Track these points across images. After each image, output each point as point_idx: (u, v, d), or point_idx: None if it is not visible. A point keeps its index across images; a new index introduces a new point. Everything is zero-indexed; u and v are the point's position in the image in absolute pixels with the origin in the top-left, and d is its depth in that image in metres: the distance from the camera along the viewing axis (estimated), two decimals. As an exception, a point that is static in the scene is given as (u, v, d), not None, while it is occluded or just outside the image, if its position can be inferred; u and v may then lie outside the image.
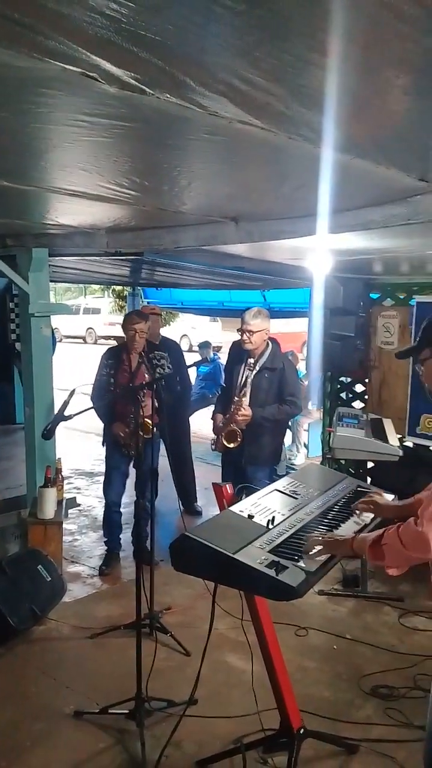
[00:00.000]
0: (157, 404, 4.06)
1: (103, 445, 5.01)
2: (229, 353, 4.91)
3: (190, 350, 19.35)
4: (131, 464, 4.93)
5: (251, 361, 4.57)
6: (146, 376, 4.58)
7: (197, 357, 10.01)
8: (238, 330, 4.65)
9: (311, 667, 3.71)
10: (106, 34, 1.24)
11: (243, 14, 1.17)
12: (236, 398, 4.54)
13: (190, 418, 6.79)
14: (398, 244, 3.71)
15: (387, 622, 4.26)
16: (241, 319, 4.58)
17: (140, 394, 3.57)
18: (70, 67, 1.40)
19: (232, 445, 4.57)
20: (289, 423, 8.07)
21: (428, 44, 1.25)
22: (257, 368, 4.58)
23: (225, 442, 4.58)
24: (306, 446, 8.48)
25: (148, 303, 9.46)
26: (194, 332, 21.22)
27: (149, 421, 4.13)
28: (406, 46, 1.28)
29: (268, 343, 4.66)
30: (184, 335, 21.96)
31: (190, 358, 6.42)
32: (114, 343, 6.76)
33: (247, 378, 4.56)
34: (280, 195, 2.72)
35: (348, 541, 2.17)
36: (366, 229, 2.80)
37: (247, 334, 4.53)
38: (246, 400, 4.53)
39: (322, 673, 3.67)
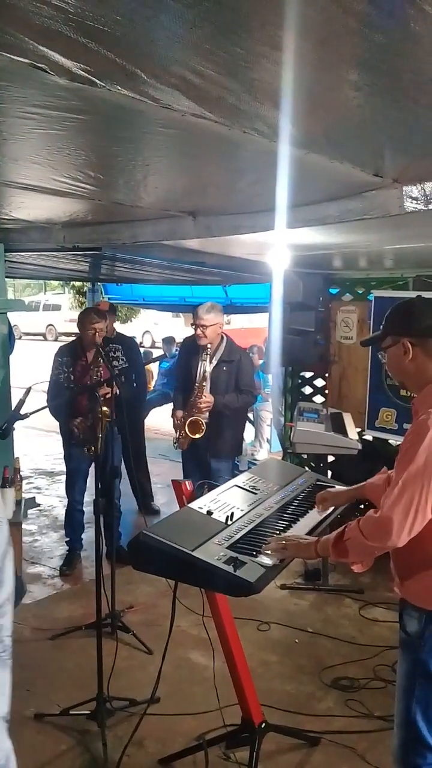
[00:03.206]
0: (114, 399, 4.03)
1: (63, 444, 4.95)
2: (180, 351, 4.95)
3: (153, 346, 19.28)
4: (92, 463, 4.89)
5: (207, 355, 4.62)
6: (101, 371, 4.53)
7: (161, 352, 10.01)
8: (191, 324, 4.68)
9: (273, 661, 3.73)
10: (53, 25, 1.22)
11: (192, 6, 1.15)
12: (196, 385, 4.58)
13: (146, 417, 6.77)
14: (355, 239, 3.74)
15: (348, 615, 4.31)
16: (194, 314, 4.64)
17: (97, 391, 3.53)
18: (18, 58, 1.36)
19: (197, 436, 4.58)
20: (251, 418, 8.17)
21: (378, 40, 1.25)
22: (215, 362, 4.64)
23: (188, 433, 4.59)
24: (269, 441, 8.52)
25: (108, 299, 9.36)
26: (156, 328, 21.16)
27: (107, 409, 4.10)
28: (356, 41, 1.28)
29: (222, 337, 4.73)
30: (147, 331, 21.87)
31: (156, 354, 6.42)
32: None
33: (205, 371, 4.61)
34: (237, 189, 2.72)
35: (312, 545, 2.17)
36: (323, 223, 2.82)
37: (201, 328, 4.58)
38: (207, 388, 4.58)
39: (283, 666, 3.69)
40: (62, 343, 5.18)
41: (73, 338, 5.14)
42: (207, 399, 4.53)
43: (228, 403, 4.58)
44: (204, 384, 4.57)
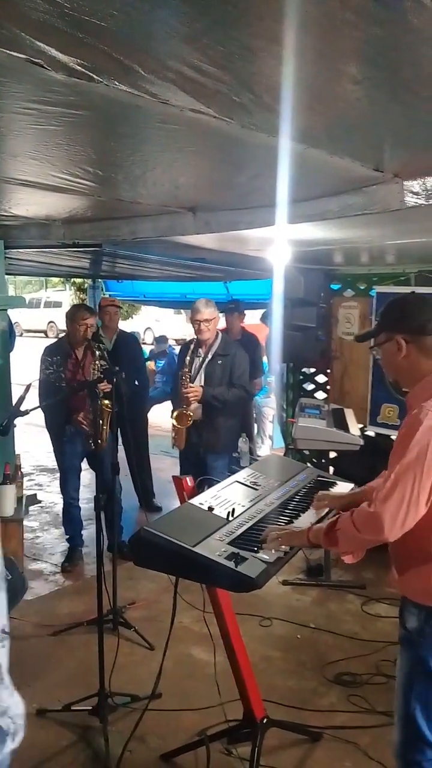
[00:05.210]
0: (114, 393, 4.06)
1: (53, 442, 4.98)
2: (179, 354, 5.00)
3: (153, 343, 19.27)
4: (83, 459, 4.93)
5: (202, 350, 4.69)
6: (92, 367, 4.56)
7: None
8: (191, 321, 4.72)
9: (275, 657, 3.74)
10: (49, 20, 1.21)
11: (189, 0, 1.15)
12: (180, 374, 4.64)
13: (148, 414, 6.76)
14: (356, 234, 3.72)
15: (350, 610, 4.31)
16: (194, 309, 4.66)
17: (97, 387, 3.53)
18: (15, 54, 1.36)
19: (181, 426, 4.65)
20: (254, 414, 8.16)
21: (376, 33, 1.25)
22: (210, 356, 4.69)
23: (175, 423, 4.65)
24: (271, 438, 8.51)
25: (109, 295, 9.36)
26: (158, 325, 21.13)
27: (108, 402, 4.12)
28: (355, 35, 1.27)
29: (218, 333, 4.79)
30: (148, 328, 21.86)
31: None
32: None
33: (201, 365, 4.67)
34: (236, 185, 2.71)
35: (304, 532, 2.18)
36: (323, 219, 2.81)
37: (205, 323, 4.61)
38: (199, 379, 4.63)
39: (286, 662, 3.69)
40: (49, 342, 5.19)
41: (61, 336, 5.15)
42: (193, 389, 4.57)
43: (217, 395, 4.59)
44: (186, 373, 4.61)
